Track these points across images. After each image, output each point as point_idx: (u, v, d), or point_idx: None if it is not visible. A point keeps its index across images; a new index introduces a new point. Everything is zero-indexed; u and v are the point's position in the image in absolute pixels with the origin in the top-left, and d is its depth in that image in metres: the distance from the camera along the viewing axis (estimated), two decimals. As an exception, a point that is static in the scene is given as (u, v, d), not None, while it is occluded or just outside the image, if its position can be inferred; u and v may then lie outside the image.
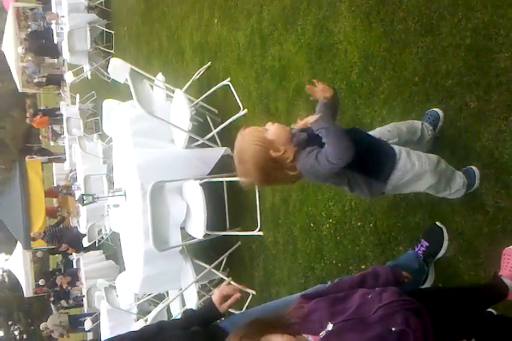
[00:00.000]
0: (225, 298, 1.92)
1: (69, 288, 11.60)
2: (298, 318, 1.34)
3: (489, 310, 2.05)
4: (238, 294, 1.93)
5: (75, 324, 10.44)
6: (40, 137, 17.40)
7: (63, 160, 11.94)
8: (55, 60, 13.72)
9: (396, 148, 1.92)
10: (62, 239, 9.85)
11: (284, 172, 1.77)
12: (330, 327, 1.29)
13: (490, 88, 2.10)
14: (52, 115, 14.56)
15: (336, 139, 1.69)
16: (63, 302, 12.17)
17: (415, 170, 1.90)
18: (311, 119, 1.77)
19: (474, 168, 2.16)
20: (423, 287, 2.36)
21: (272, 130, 1.77)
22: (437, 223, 2.34)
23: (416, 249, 2.37)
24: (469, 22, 2.18)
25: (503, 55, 2.04)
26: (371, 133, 2.09)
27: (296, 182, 1.92)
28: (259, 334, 1.20)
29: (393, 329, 1.27)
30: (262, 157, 1.71)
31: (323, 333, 1.28)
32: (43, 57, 14.64)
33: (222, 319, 1.99)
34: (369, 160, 1.83)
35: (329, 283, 2.02)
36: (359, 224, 2.89)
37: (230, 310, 1.96)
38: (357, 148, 1.70)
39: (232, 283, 2.20)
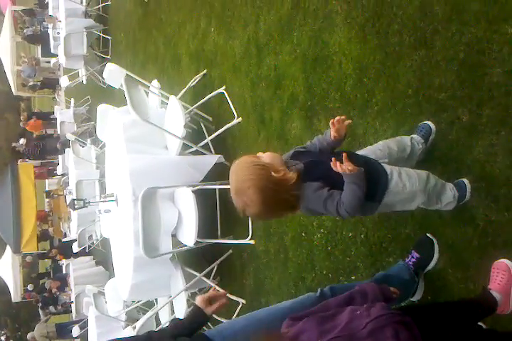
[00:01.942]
0: (209, 301, 1.91)
1: (58, 293, 11.50)
2: (287, 339, 1.33)
3: (479, 324, 2.06)
4: (224, 299, 1.92)
5: (62, 332, 10.31)
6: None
7: (56, 165, 11.88)
8: (51, 63, 13.68)
9: (387, 168, 1.93)
10: (44, 150, 9.42)
11: (286, 195, 1.70)
12: None
13: (482, 102, 2.12)
14: (46, 118, 14.52)
15: (361, 196, 1.73)
16: (51, 308, 12.05)
17: (406, 191, 1.92)
18: (349, 170, 1.69)
19: (466, 180, 2.17)
20: (413, 299, 2.37)
21: (266, 155, 1.74)
22: (428, 235, 2.34)
23: (407, 260, 2.37)
24: (463, 36, 2.21)
25: (496, 70, 2.06)
26: (362, 151, 2.10)
27: (294, 212, 1.85)
28: None
29: None
30: (264, 178, 1.64)
31: None
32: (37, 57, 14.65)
33: (210, 326, 1.98)
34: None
35: (319, 290, 2.02)
36: (350, 234, 2.90)
37: (218, 318, 1.95)
38: None
39: (218, 288, 2.18)
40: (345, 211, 1.72)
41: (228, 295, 1.96)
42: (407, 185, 1.91)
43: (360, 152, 2.09)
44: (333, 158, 1.69)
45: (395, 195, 1.91)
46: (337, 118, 1.83)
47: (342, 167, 1.67)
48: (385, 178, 1.89)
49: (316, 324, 1.35)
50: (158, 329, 1.99)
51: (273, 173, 1.66)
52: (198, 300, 1.91)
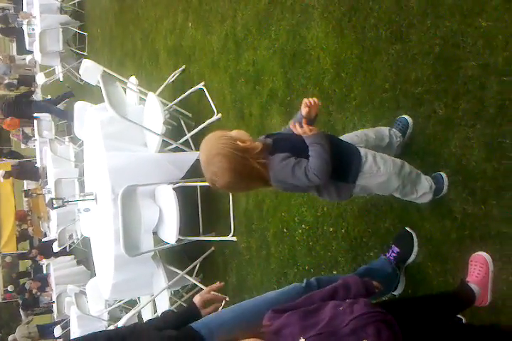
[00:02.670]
0: (206, 303, 1.91)
1: (38, 293, 11.35)
2: (270, 333, 1.32)
3: (458, 316, 2.08)
4: (219, 305, 1.92)
5: (44, 333, 10.19)
6: (10, 135, 16.99)
7: (33, 164, 11.69)
8: (26, 60, 13.41)
9: (362, 150, 1.94)
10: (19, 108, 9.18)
11: (253, 163, 1.76)
12: None
13: (458, 96, 2.13)
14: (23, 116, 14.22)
15: (327, 158, 1.75)
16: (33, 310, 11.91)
17: (380, 173, 1.93)
18: (309, 130, 1.78)
19: (443, 173, 2.18)
20: (394, 293, 2.38)
21: (233, 131, 1.81)
22: (407, 228, 2.36)
23: (387, 255, 2.38)
24: (438, 30, 2.22)
25: (471, 63, 2.07)
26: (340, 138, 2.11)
27: (265, 186, 1.90)
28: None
29: None
30: (230, 146, 1.72)
31: None
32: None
33: None
34: (338, 164, 1.84)
35: (305, 281, 2.02)
36: (331, 229, 2.90)
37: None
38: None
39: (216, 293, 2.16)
40: (314, 174, 1.75)
41: (213, 292, 1.96)
42: (381, 168, 1.92)
43: None
44: (291, 121, 1.78)
45: (369, 177, 1.92)
46: (311, 100, 1.87)
47: (301, 129, 1.77)
48: (358, 159, 1.91)
49: (299, 319, 1.35)
50: (146, 321, 1.98)
51: (239, 142, 1.74)
52: (197, 299, 1.91)
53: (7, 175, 12.00)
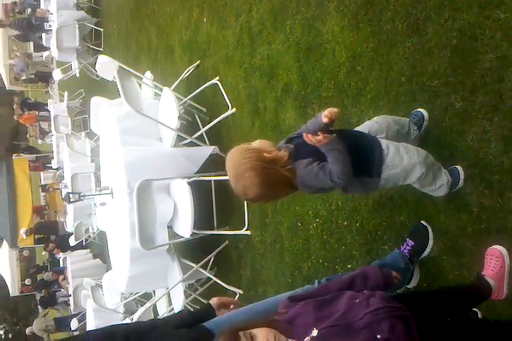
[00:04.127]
0: (222, 305, 1.95)
1: (56, 286, 11.51)
2: (283, 322, 1.33)
3: (474, 310, 2.07)
4: (234, 309, 1.95)
5: (61, 326, 10.33)
6: (28, 136, 17.23)
7: (50, 159, 11.83)
8: (43, 56, 13.55)
9: (384, 143, 1.93)
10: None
11: (283, 171, 1.79)
12: (315, 333, 1.27)
13: (475, 89, 2.11)
14: (41, 109, 14.38)
15: (345, 160, 1.77)
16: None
17: (404, 164, 1.92)
18: (324, 138, 1.75)
19: (459, 167, 2.17)
20: (408, 286, 2.38)
21: (255, 142, 1.83)
22: (423, 222, 2.35)
23: (402, 248, 2.37)
24: (455, 23, 2.20)
25: (488, 55, 2.05)
26: (360, 128, 2.11)
27: (294, 191, 1.92)
28: (241, 329, 1.21)
29: (378, 336, 1.26)
30: (258, 159, 1.74)
31: (307, 339, 1.27)
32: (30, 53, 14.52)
33: None
34: (360, 160, 1.85)
35: (316, 282, 2.03)
36: (345, 223, 2.90)
37: None
38: (346, 149, 1.78)
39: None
40: (338, 177, 1.78)
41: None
42: (404, 157, 1.92)
43: (357, 128, 2.11)
44: (303, 133, 1.76)
45: (392, 168, 1.92)
46: (332, 111, 1.83)
47: (315, 140, 1.75)
48: (380, 153, 1.90)
49: (314, 309, 1.35)
50: (163, 317, 2.00)
51: (265, 154, 1.76)
52: (215, 301, 1.95)
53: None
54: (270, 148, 1.81)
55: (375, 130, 2.05)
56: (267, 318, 1.42)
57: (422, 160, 1.95)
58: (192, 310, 3.59)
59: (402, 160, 1.91)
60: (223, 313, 1.93)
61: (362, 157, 1.87)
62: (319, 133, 1.75)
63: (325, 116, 1.81)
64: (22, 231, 12.67)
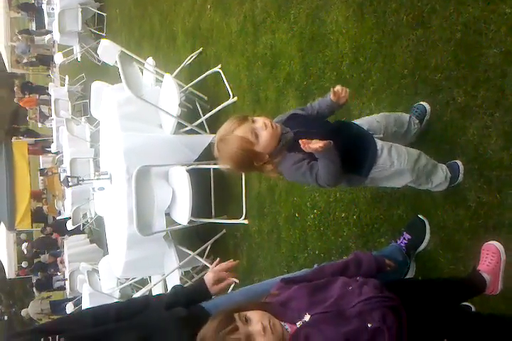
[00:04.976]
0: (218, 280, 1.89)
1: (52, 270, 11.57)
2: (276, 304, 1.34)
3: (467, 304, 2.09)
4: (232, 279, 1.91)
5: (56, 309, 10.38)
6: (28, 118, 17.17)
7: (50, 143, 11.81)
8: (45, 39, 13.44)
9: (379, 143, 1.93)
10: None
11: (256, 167, 1.84)
12: (307, 318, 1.29)
13: (478, 83, 2.10)
14: (42, 93, 14.32)
15: (335, 170, 1.76)
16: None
17: (393, 169, 1.93)
18: (320, 145, 1.66)
19: (459, 162, 2.17)
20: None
21: (264, 137, 1.77)
22: (420, 216, 2.35)
23: (398, 242, 2.38)
24: (460, 16, 2.18)
25: (492, 50, 2.04)
26: (360, 121, 2.10)
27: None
28: (235, 311, 1.23)
29: (369, 325, 1.28)
30: (244, 150, 1.76)
31: (299, 323, 1.29)
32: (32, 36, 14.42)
33: None
34: (352, 158, 1.86)
35: (315, 266, 2.03)
36: (343, 215, 2.91)
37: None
38: (342, 144, 1.76)
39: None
40: (325, 183, 1.80)
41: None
42: (395, 162, 1.92)
43: (357, 121, 2.10)
44: (300, 140, 1.67)
45: (381, 171, 1.93)
46: (343, 90, 1.88)
47: (309, 147, 1.66)
48: (374, 153, 1.90)
49: (307, 293, 1.36)
50: (156, 295, 1.98)
51: (255, 148, 1.77)
52: (210, 277, 1.88)
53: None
54: (269, 141, 1.77)
55: (373, 128, 2.04)
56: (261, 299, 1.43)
57: (411, 167, 1.95)
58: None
59: (392, 165, 1.92)
60: (219, 287, 1.90)
61: (356, 155, 1.88)
62: (315, 140, 1.67)
63: (333, 94, 1.86)
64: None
